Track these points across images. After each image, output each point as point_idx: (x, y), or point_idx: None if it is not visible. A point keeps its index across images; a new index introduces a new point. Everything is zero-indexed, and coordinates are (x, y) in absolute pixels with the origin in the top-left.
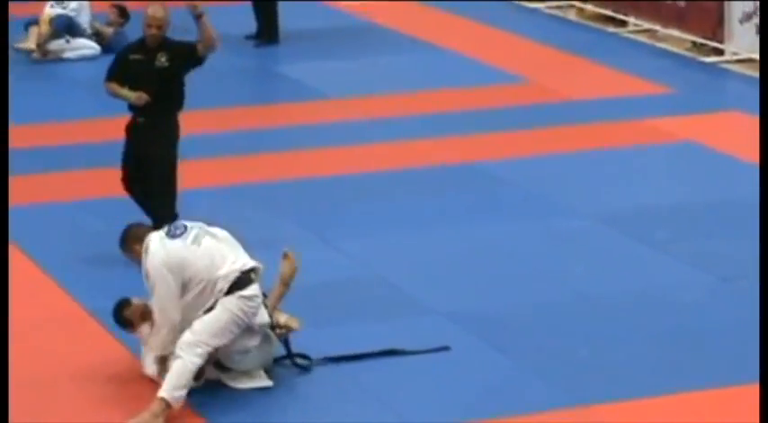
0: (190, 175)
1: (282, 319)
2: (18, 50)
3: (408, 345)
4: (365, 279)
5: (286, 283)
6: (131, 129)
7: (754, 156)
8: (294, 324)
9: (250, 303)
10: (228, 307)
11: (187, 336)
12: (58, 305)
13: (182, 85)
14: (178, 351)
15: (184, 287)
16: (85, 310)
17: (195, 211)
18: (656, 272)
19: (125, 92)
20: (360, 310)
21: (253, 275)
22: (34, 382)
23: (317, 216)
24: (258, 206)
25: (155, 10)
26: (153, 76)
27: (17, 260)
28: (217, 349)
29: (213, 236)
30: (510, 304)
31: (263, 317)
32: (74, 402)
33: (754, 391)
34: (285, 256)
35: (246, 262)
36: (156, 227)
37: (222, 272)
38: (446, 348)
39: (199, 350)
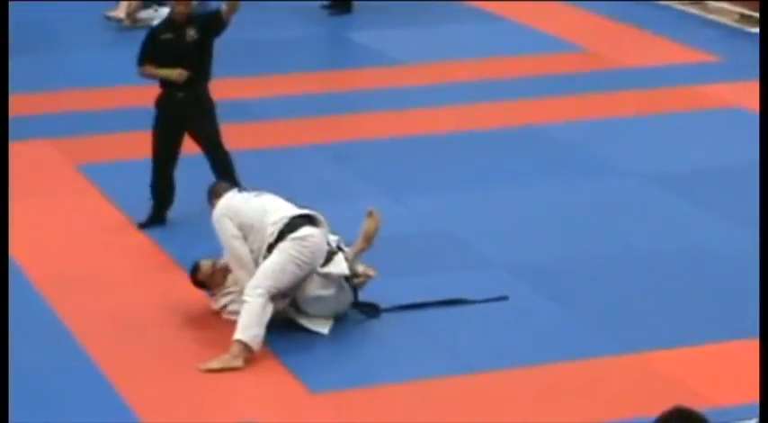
0: (269, 135)
1: (361, 268)
2: (108, 19)
3: (471, 295)
4: (432, 234)
5: (368, 240)
6: (169, 104)
7: None
8: (371, 272)
9: (304, 243)
10: (282, 249)
11: (249, 281)
12: (142, 251)
13: (211, 54)
14: (243, 296)
15: (242, 232)
16: (168, 256)
17: (275, 169)
18: (701, 228)
19: (164, 71)
20: (427, 263)
21: (305, 220)
22: (125, 326)
23: (387, 174)
24: (333, 164)
25: None
26: (186, 51)
27: (108, 213)
28: (280, 289)
29: (276, 195)
30: (566, 258)
31: (341, 267)
32: (164, 344)
33: None
34: (370, 213)
35: (298, 211)
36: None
37: (273, 219)
38: (505, 298)
39: (259, 291)
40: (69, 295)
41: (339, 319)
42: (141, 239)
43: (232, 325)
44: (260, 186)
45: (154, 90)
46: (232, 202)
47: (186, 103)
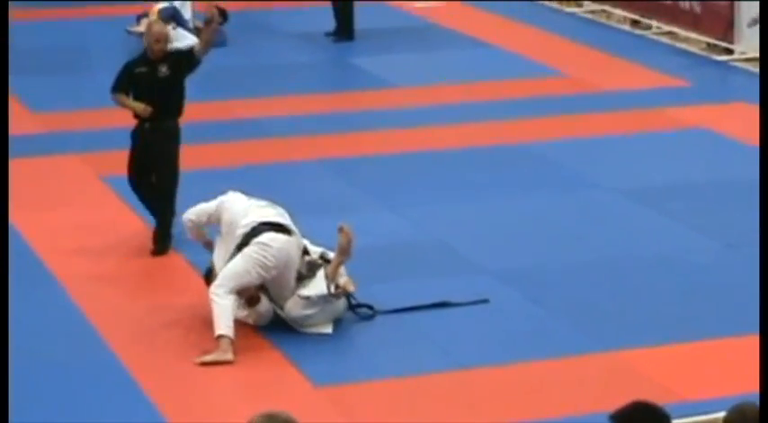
0: (278, 151)
1: (342, 280)
2: (130, 34)
3: (459, 298)
4: (425, 241)
5: (343, 252)
6: (138, 134)
7: (757, 141)
8: (351, 287)
9: (266, 247)
10: (246, 253)
11: (215, 282)
12: (161, 256)
13: (182, 90)
14: (211, 295)
15: (219, 225)
16: (185, 260)
17: (282, 182)
18: (671, 238)
19: (132, 103)
20: (419, 268)
21: (272, 227)
22: (145, 324)
23: (384, 187)
24: (334, 178)
25: (159, 26)
26: (157, 85)
27: (129, 220)
28: (245, 288)
29: (273, 204)
30: (548, 264)
31: (320, 287)
32: (180, 342)
33: (754, 340)
34: (340, 229)
35: (271, 218)
36: (160, 223)
37: (245, 222)
38: (486, 301)
39: (221, 291)
40: (94, 295)
41: (338, 321)
42: None
43: (239, 323)
44: (269, 197)
45: None
46: (229, 196)
47: (151, 134)
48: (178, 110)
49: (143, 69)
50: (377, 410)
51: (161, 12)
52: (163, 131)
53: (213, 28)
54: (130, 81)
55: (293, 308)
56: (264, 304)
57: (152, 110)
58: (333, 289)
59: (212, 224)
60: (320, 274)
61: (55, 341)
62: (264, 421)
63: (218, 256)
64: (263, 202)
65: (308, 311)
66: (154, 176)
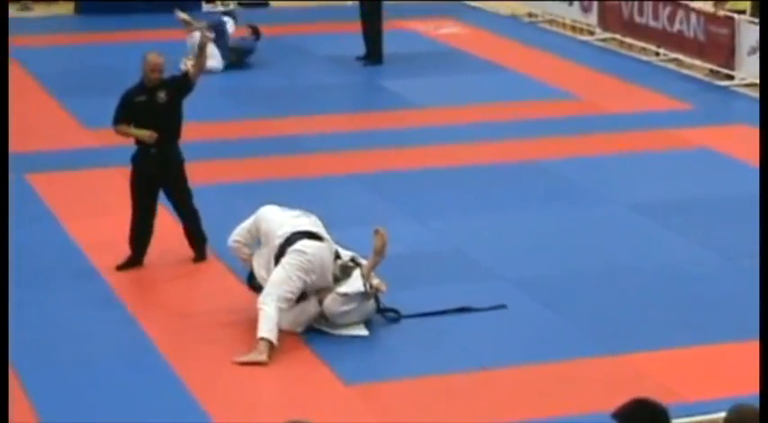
0: (312, 166)
1: (375, 281)
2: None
3: (478, 303)
4: (447, 251)
5: (378, 254)
6: (142, 160)
7: (757, 161)
8: (382, 287)
9: (301, 253)
10: (284, 263)
11: (263, 291)
12: (204, 263)
13: (180, 113)
14: (259, 304)
15: (260, 236)
16: (227, 267)
17: (316, 195)
18: (674, 250)
19: (136, 131)
20: (442, 275)
21: (305, 235)
22: (176, 317)
23: (410, 200)
24: (364, 191)
25: (156, 57)
26: (157, 112)
27: (173, 228)
28: (293, 293)
29: (306, 213)
30: (560, 272)
31: (357, 285)
32: (206, 336)
33: (752, 346)
34: (376, 231)
35: (304, 227)
36: (196, 232)
37: (280, 233)
38: (503, 306)
39: (267, 299)
40: (140, 297)
41: (367, 323)
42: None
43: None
44: (303, 209)
45: (211, 126)
46: (267, 208)
47: (157, 159)
48: (178, 132)
49: (142, 98)
50: (404, 407)
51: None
52: (171, 155)
53: (205, 51)
54: (131, 110)
55: (332, 304)
56: (314, 303)
57: (156, 135)
58: (368, 287)
59: (255, 240)
60: (356, 273)
61: (102, 338)
62: None
63: (258, 264)
64: (296, 212)
65: (346, 308)
66: (174, 197)
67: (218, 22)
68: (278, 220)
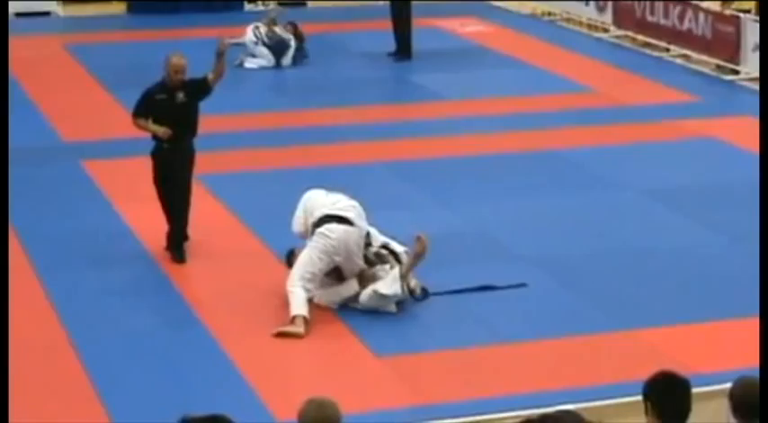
0: (347, 154)
1: (412, 283)
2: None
3: (500, 282)
4: (471, 233)
5: (417, 258)
6: (158, 154)
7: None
8: (418, 290)
9: (325, 235)
10: (310, 244)
11: (291, 272)
12: (247, 244)
13: (197, 114)
14: (287, 287)
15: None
16: (268, 247)
17: (350, 181)
18: (684, 233)
19: (152, 127)
20: (466, 256)
21: (334, 219)
22: (221, 294)
23: (437, 186)
24: (394, 177)
25: (179, 58)
26: (176, 111)
27: (219, 214)
28: (315, 274)
29: (349, 199)
30: (576, 253)
31: (395, 288)
32: (248, 312)
33: (756, 322)
34: (418, 238)
35: (337, 211)
36: (177, 230)
37: (317, 214)
38: (524, 284)
39: (293, 280)
40: (189, 274)
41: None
42: (245, 232)
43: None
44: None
45: (257, 117)
46: (311, 195)
47: (171, 154)
48: (194, 131)
49: (163, 96)
50: (432, 377)
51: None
52: (181, 151)
53: (223, 58)
54: (150, 107)
55: (369, 301)
56: (352, 286)
57: (171, 132)
58: (405, 290)
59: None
60: (394, 274)
61: (152, 314)
62: (315, 408)
63: (300, 222)
64: (338, 196)
65: (380, 303)
66: (173, 192)
67: (285, 39)
68: (319, 202)
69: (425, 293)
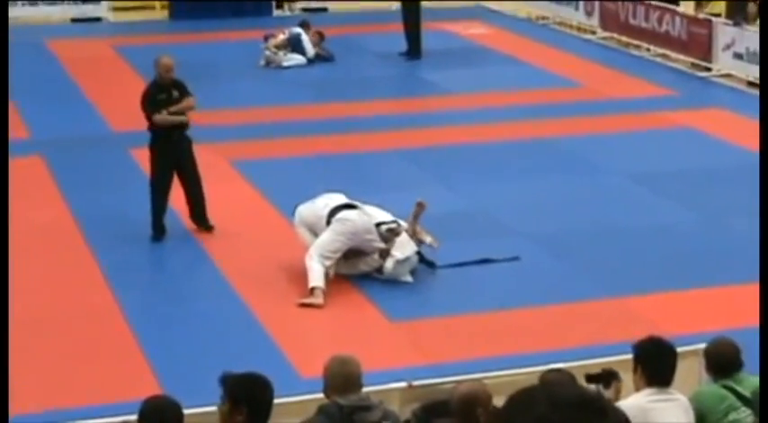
0: (363, 142)
1: (428, 239)
2: (266, 48)
3: (499, 255)
4: (473, 211)
5: (417, 217)
6: (168, 146)
7: (731, 137)
8: (436, 244)
9: (342, 221)
10: (329, 229)
11: (311, 249)
12: (276, 223)
13: None
14: (307, 260)
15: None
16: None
17: (366, 166)
18: (664, 211)
19: (174, 117)
20: (469, 232)
21: (344, 207)
22: (253, 268)
23: (443, 170)
24: (405, 162)
25: (169, 59)
26: (173, 106)
27: (250, 193)
28: (333, 252)
29: (333, 193)
30: (567, 229)
31: (411, 247)
32: (276, 283)
33: (728, 291)
34: (419, 203)
35: (340, 201)
36: (200, 205)
37: (325, 210)
38: (517, 258)
39: (314, 255)
40: (224, 249)
41: (411, 272)
42: (274, 213)
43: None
44: (358, 179)
45: (281, 110)
46: (300, 211)
47: (180, 142)
48: (187, 124)
49: (162, 96)
50: (439, 340)
51: (290, 34)
52: (187, 139)
53: (181, 108)
54: (157, 106)
55: (394, 269)
56: (370, 263)
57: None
58: (419, 244)
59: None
60: (404, 237)
61: (194, 288)
62: (339, 364)
63: (307, 235)
64: (324, 197)
65: (400, 270)
66: (185, 174)
67: (295, 34)
68: (313, 209)
69: (433, 265)
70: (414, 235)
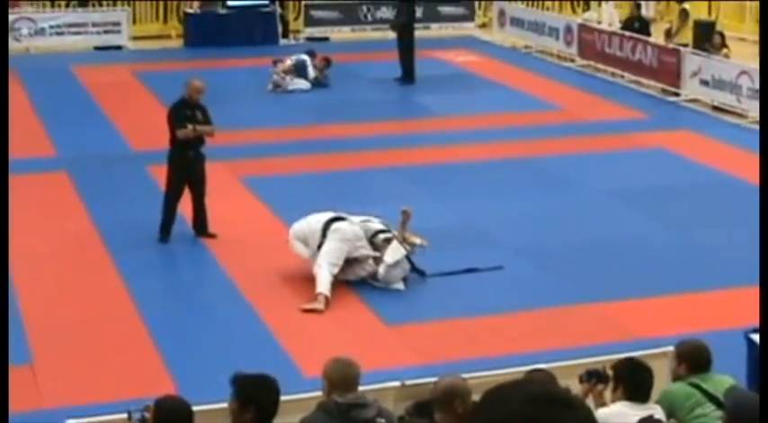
0: (360, 160)
1: (418, 240)
2: (275, 73)
3: (484, 265)
4: (461, 224)
5: (404, 224)
6: (184, 161)
7: (698, 157)
8: (426, 243)
9: (338, 231)
10: (329, 238)
11: (319, 258)
12: (280, 233)
13: None
14: (315, 267)
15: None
16: None
17: (362, 182)
18: (638, 225)
19: (201, 128)
20: (457, 244)
21: (334, 220)
22: (259, 274)
23: (434, 186)
24: (399, 179)
25: (200, 82)
26: (195, 124)
27: (258, 208)
28: (338, 259)
29: (318, 213)
30: (550, 242)
31: (401, 251)
32: (281, 289)
33: (696, 297)
34: (403, 211)
35: (330, 215)
36: (202, 214)
37: (318, 226)
38: (500, 267)
39: (323, 263)
40: (232, 257)
41: (404, 280)
42: (278, 223)
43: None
44: (356, 193)
45: (284, 131)
46: (294, 232)
47: (195, 160)
48: (203, 141)
49: (188, 112)
50: (432, 342)
51: (296, 60)
52: (201, 156)
53: (199, 130)
54: (182, 120)
55: (387, 274)
56: (366, 268)
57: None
58: (408, 249)
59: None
60: (394, 243)
61: (206, 292)
62: (339, 365)
63: (301, 247)
64: (314, 216)
65: (392, 275)
66: (195, 188)
67: (301, 61)
68: (306, 225)
69: (423, 274)
70: (404, 240)
